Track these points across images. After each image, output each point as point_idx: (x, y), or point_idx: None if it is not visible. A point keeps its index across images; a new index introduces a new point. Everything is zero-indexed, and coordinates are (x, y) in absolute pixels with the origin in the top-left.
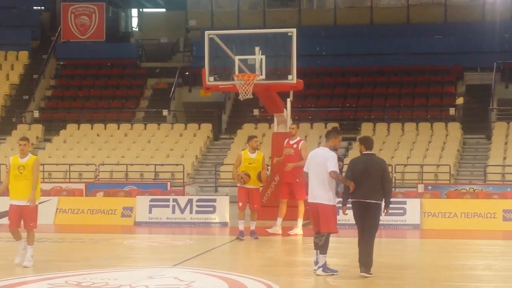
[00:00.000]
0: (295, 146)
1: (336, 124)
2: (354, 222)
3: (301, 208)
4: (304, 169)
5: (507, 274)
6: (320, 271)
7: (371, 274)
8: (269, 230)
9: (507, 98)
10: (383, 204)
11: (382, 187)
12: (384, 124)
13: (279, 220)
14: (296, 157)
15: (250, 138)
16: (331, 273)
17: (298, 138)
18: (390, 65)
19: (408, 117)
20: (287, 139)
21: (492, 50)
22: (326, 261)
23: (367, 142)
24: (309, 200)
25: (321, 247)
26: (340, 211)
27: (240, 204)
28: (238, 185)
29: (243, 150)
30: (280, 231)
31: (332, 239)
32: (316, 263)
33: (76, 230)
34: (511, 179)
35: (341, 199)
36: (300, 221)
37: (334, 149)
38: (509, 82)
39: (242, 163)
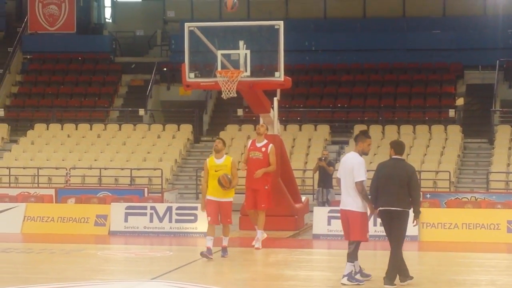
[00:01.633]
0: (263, 149)
1: (327, 126)
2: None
3: (263, 218)
4: (337, 175)
5: None
6: (345, 280)
7: (395, 285)
8: (254, 244)
9: (511, 99)
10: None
11: (409, 195)
12: (378, 127)
13: (259, 233)
14: (265, 161)
15: (215, 141)
16: (356, 283)
17: (266, 141)
18: (384, 62)
19: (404, 118)
20: (252, 140)
21: (494, 46)
22: (352, 270)
23: (396, 146)
24: (340, 207)
25: (349, 255)
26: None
27: (209, 218)
28: (207, 197)
29: (210, 156)
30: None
31: (324, 251)
32: (356, 272)
33: (45, 239)
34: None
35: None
36: (260, 233)
37: (364, 153)
38: None
39: (209, 172)
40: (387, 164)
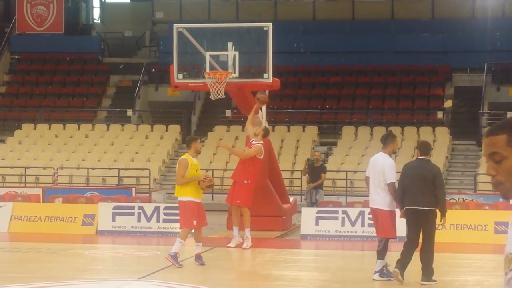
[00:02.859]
0: (252, 146)
1: (315, 128)
2: (333, 233)
3: (246, 216)
4: (366, 174)
5: None
6: (376, 276)
7: (435, 281)
8: (230, 245)
9: (499, 101)
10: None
11: (434, 194)
12: (366, 128)
13: (236, 230)
14: (250, 158)
15: (194, 139)
16: (387, 278)
17: (260, 142)
18: (373, 64)
19: (393, 120)
20: (252, 139)
21: (483, 49)
22: (383, 266)
23: (422, 147)
24: (370, 206)
25: (378, 252)
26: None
27: (195, 222)
28: (185, 199)
29: (185, 155)
30: (241, 240)
31: (312, 252)
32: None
33: (32, 239)
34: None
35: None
36: (248, 231)
37: (393, 153)
38: (500, 84)
39: (188, 171)
40: (413, 164)
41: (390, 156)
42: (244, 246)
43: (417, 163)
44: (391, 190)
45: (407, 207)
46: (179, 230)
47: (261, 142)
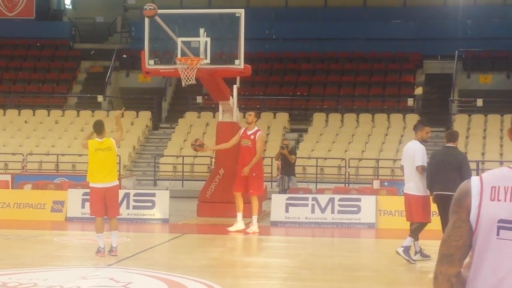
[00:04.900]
0: (252, 137)
1: (286, 114)
2: (303, 220)
3: (255, 204)
4: (401, 163)
5: None
6: (400, 250)
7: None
8: (230, 229)
9: (469, 89)
10: None
11: (460, 180)
12: (337, 115)
13: (240, 216)
14: (253, 149)
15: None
16: (408, 259)
17: (256, 128)
18: (344, 51)
19: (364, 107)
20: (244, 129)
21: (453, 37)
22: (410, 246)
23: (448, 135)
24: (403, 191)
25: (412, 230)
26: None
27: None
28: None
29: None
30: (243, 226)
31: (281, 238)
32: (416, 252)
33: (1, 225)
34: (473, 175)
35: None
36: (255, 218)
37: (423, 140)
38: (471, 71)
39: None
40: (440, 151)
41: (421, 143)
42: (248, 230)
43: (444, 150)
44: (420, 172)
45: (435, 192)
46: (112, 220)
47: (257, 128)
